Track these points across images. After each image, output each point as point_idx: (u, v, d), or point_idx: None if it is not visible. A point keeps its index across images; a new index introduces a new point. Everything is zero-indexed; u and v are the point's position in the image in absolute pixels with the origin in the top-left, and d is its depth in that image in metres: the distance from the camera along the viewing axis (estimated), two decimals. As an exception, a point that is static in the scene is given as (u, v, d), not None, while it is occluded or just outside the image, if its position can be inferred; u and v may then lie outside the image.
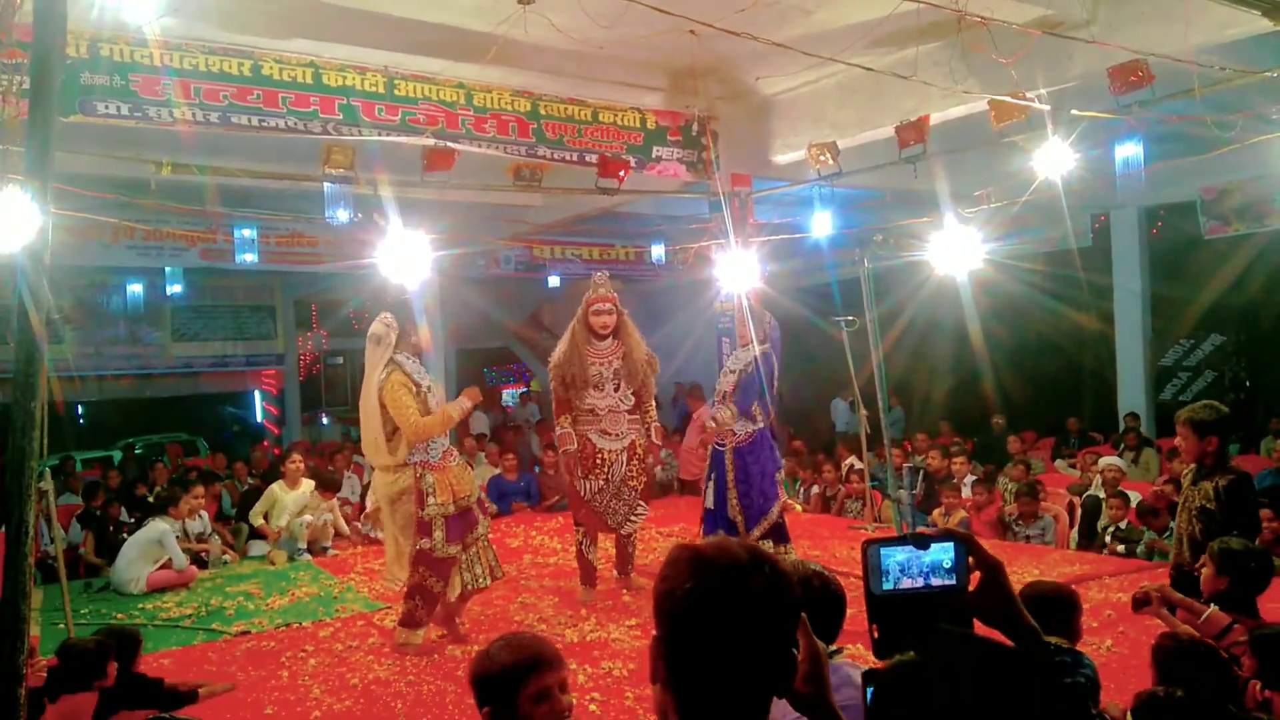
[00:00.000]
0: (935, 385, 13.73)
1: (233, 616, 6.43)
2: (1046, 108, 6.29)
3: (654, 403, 6.44)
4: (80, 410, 17.60)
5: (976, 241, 7.13)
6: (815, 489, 9.84)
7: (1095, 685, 2.62)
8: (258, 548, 8.51)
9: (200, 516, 8.22)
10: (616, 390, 6.16)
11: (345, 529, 8.67)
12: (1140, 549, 6.91)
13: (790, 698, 1.33)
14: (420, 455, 5.27)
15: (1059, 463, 10.53)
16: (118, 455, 14.10)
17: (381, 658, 5.31)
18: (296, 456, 9.10)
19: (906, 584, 1.32)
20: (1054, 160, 6.38)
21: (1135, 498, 7.43)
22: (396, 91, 7.00)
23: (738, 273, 7.51)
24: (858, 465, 9.45)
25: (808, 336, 10.85)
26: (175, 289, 14.02)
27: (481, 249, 12.24)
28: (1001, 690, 1.24)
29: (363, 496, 8.81)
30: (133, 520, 8.35)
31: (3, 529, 2.67)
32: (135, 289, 14.02)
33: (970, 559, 1.32)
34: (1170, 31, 5.74)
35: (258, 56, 6.48)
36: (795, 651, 1.32)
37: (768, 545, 6.20)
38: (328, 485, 8.65)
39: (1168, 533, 6.56)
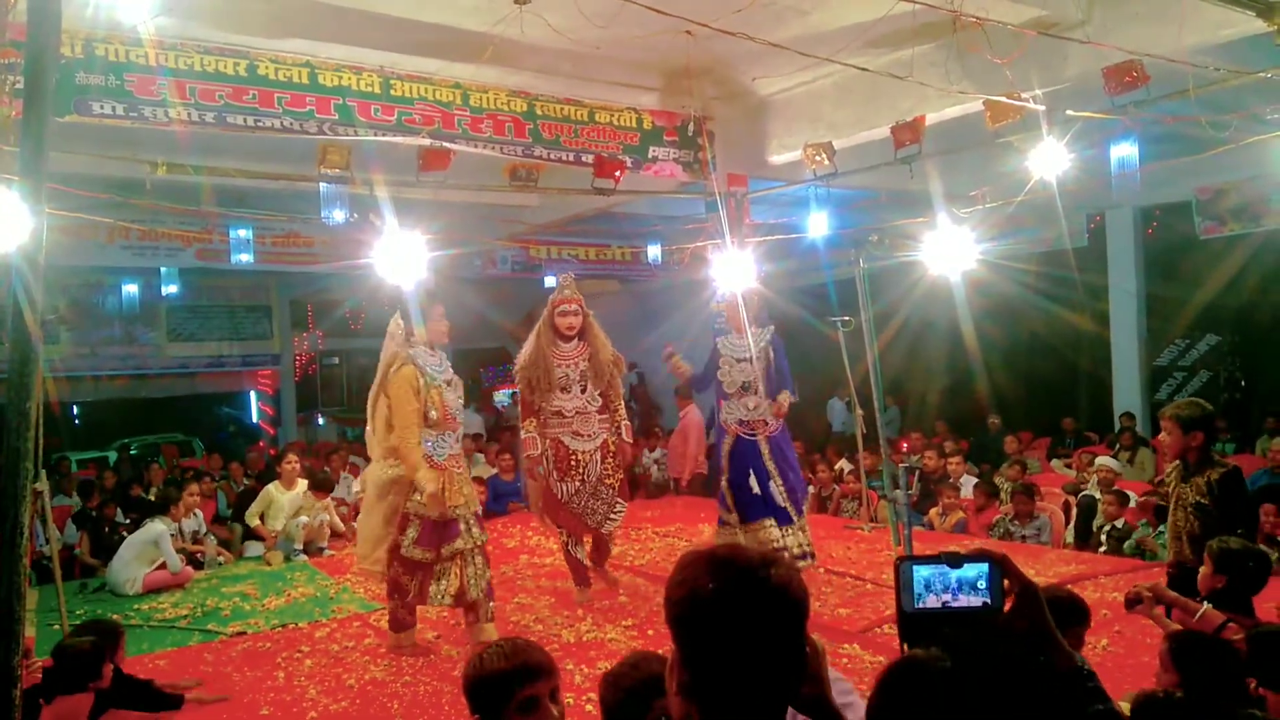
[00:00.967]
0: (931, 385, 13.75)
1: (229, 617, 6.42)
2: (1042, 108, 6.30)
3: (622, 402, 6.40)
4: (75, 410, 17.54)
5: (972, 241, 7.13)
6: (811, 489, 9.83)
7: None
8: (254, 548, 8.50)
9: (195, 515, 8.21)
10: (584, 392, 6.11)
11: (341, 529, 8.67)
12: (1129, 546, 6.93)
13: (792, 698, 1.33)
14: (429, 447, 5.19)
15: (1054, 462, 10.55)
16: (113, 456, 14.05)
17: (377, 658, 5.30)
18: (292, 457, 9.08)
19: (932, 601, 1.31)
20: (1049, 160, 6.38)
21: (1133, 497, 7.45)
22: (392, 91, 6.99)
23: (734, 272, 7.50)
24: (848, 467, 9.45)
25: (804, 336, 10.84)
26: (171, 289, 14.03)
27: (478, 249, 12.25)
28: (1025, 706, 1.23)
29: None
30: (129, 521, 8.34)
31: None
32: (130, 289, 14.01)
33: (1005, 581, 1.32)
34: (1165, 32, 5.74)
35: (253, 56, 6.46)
36: (807, 649, 1.32)
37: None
38: (319, 485, 8.64)
39: (1159, 531, 6.57)
